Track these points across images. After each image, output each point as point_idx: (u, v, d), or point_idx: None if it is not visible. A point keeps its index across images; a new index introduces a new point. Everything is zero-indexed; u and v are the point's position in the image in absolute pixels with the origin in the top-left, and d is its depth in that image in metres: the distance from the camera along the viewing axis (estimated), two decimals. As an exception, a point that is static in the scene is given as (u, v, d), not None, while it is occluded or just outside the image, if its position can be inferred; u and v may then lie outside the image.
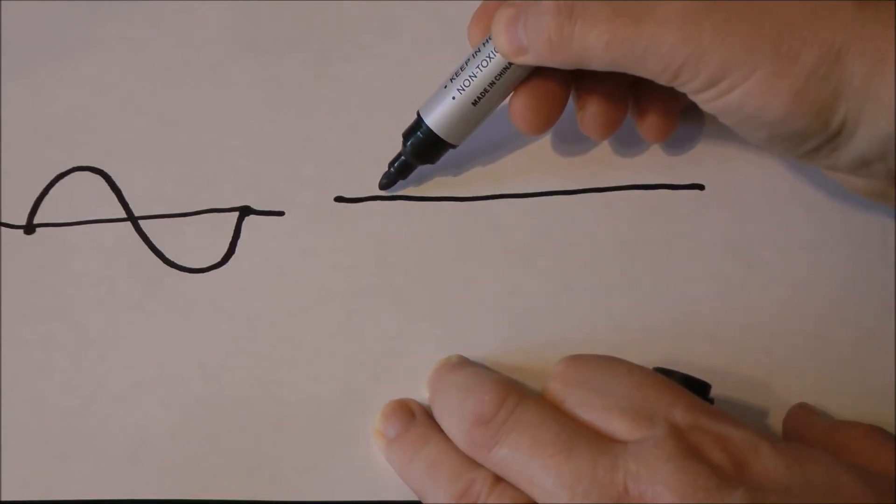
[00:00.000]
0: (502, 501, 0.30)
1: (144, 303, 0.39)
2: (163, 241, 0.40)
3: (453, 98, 0.37)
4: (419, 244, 0.40)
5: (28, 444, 0.37)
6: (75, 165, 0.42)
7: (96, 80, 0.44)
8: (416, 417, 0.35)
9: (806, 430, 0.33)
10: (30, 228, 0.41)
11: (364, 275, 0.39)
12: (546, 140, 0.41)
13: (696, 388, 0.32)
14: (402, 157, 0.39)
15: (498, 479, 0.31)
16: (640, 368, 0.31)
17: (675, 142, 0.41)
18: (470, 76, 0.36)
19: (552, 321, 0.38)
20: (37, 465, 0.36)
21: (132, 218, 0.41)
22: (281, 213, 0.41)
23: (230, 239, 0.40)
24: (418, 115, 0.38)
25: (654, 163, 0.40)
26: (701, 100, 0.33)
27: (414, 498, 0.34)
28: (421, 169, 0.40)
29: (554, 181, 0.40)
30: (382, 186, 0.40)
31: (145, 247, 0.40)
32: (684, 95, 0.34)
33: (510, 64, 0.36)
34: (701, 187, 0.40)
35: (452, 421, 0.33)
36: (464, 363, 0.36)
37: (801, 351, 0.37)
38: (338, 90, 0.43)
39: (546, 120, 0.37)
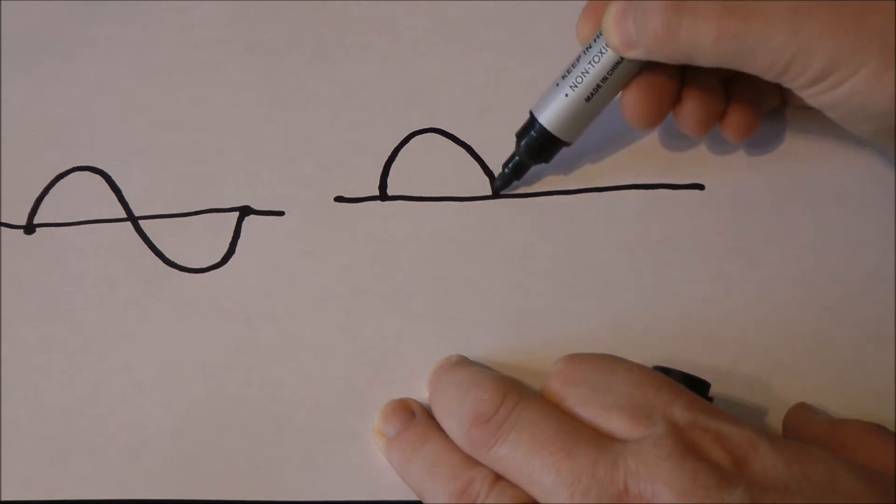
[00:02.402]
0: (502, 500, 0.30)
1: (144, 303, 0.39)
2: (163, 241, 0.40)
3: (566, 95, 0.37)
4: (419, 244, 0.40)
5: (28, 444, 0.37)
6: (75, 165, 0.42)
7: (96, 80, 0.44)
8: (415, 416, 0.35)
9: (806, 428, 0.33)
10: (30, 228, 0.41)
11: (364, 275, 0.39)
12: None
13: (696, 386, 0.32)
14: (517, 158, 0.39)
15: (497, 478, 0.31)
16: (640, 367, 0.31)
17: (676, 142, 0.41)
18: (582, 72, 0.36)
19: (552, 321, 0.38)
20: (37, 465, 0.36)
21: (132, 218, 0.41)
22: (281, 213, 0.41)
23: (230, 239, 0.40)
24: (531, 114, 0.38)
25: (654, 163, 0.40)
26: (808, 94, 0.34)
27: (414, 497, 0.34)
28: (533, 168, 0.40)
29: (554, 181, 0.40)
30: (497, 188, 0.40)
31: (145, 247, 0.40)
32: (770, 99, 0.36)
33: (621, 59, 0.36)
34: (701, 187, 0.40)
35: (452, 420, 0.33)
36: (464, 362, 0.36)
37: (801, 351, 0.37)
38: (338, 90, 0.43)
39: (657, 114, 0.37)
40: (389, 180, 0.41)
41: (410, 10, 0.45)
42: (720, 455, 0.28)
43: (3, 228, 0.41)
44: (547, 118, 0.38)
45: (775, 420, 0.35)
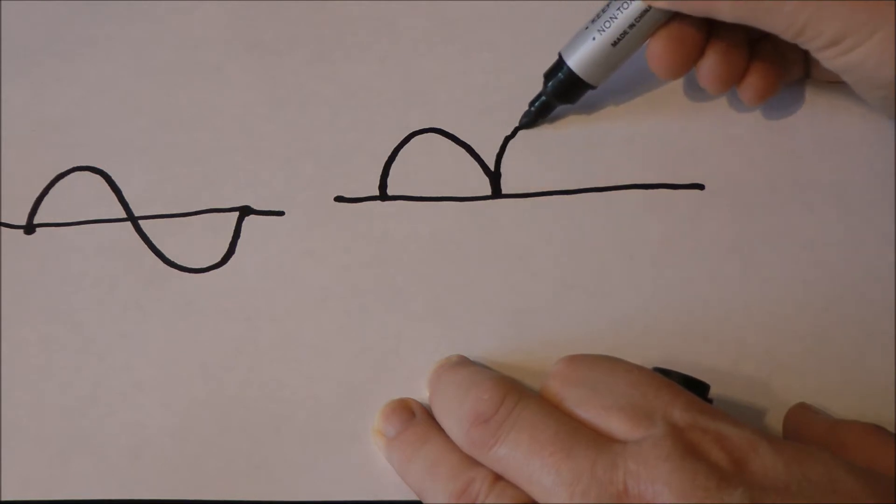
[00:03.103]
0: (502, 500, 0.30)
1: (144, 303, 0.39)
2: (163, 241, 0.40)
3: (593, 39, 0.38)
4: (419, 244, 0.40)
5: (28, 444, 0.37)
6: (75, 165, 0.42)
7: (96, 80, 0.44)
8: (415, 416, 0.35)
9: (806, 429, 0.33)
10: (30, 228, 0.41)
11: (364, 275, 0.39)
12: (547, 140, 0.41)
13: (696, 388, 0.32)
14: (543, 98, 0.40)
15: (497, 478, 0.31)
16: (639, 368, 0.31)
17: (676, 141, 0.41)
18: (610, 17, 0.38)
19: (552, 321, 0.38)
20: (37, 465, 0.36)
21: (132, 218, 0.41)
22: (281, 213, 0.41)
23: (230, 239, 0.40)
24: (559, 56, 0.39)
25: (654, 162, 0.40)
26: (823, 57, 0.35)
27: (414, 497, 0.34)
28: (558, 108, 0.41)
29: (554, 181, 0.40)
30: (524, 125, 0.41)
31: (145, 247, 0.40)
32: (794, 68, 0.37)
33: (649, 8, 0.37)
34: (701, 187, 0.40)
35: (452, 420, 0.33)
36: (464, 362, 0.36)
37: (801, 351, 0.37)
38: (338, 90, 0.43)
39: (682, 64, 0.38)
40: (389, 180, 0.41)
41: (410, 10, 0.45)
42: (720, 456, 0.28)
43: (3, 228, 0.41)
44: (574, 61, 0.39)
45: (775, 420, 0.35)
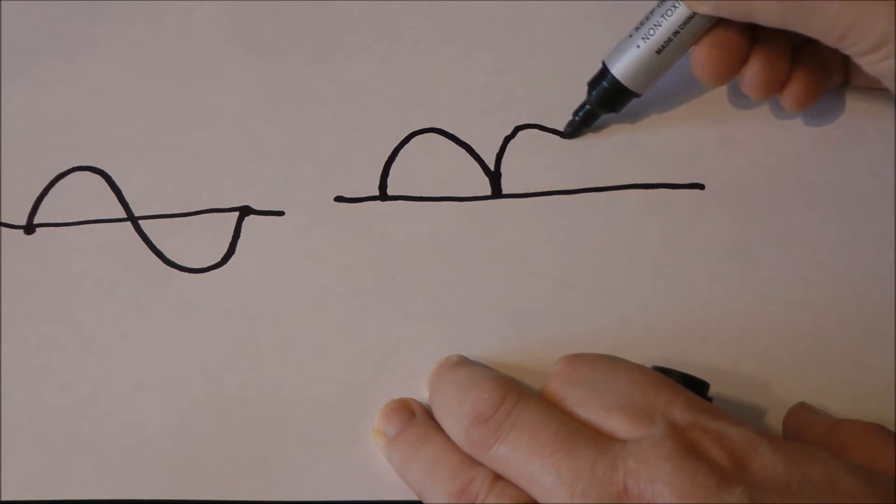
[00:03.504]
0: (501, 500, 0.30)
1: (144, 303, 0.39)
2: (163, 241, 0.40)
3: (637, 47, 0.38)
4: (419, 244, 0.40)
5: (28, 444, 0.37)
6: (75, 165, 0.42)
7: (96, 80, 0.44)
8: (415, 416, 0.35)
9: (806, 429, 0.33)
10: (30, 228, 0.41)
11: (364, 275, 0.39)
12: (547, 141, 0.41)
13: (695, 387, 0.32)
14: (587, 106, 0.40)
15: (497, 478, 0.31)
16: (639, 367, 0.31)
17: (676, 141, 0.41)
18: (654, 25, 0.38)
19: (552, 321, 0.38)
20: (37, 465, 0.36)
21: (132, 218, 0.41)
22: (281, 213, 0.41)
23: (230, 239, 0.40)
24: (603, 64, 0.39)
25: (654, 162, 0.40)
26: (865, 62, 0.35)
27: (414, 497, 0.34)
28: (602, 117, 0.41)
29: (554, 181, 0.40)
30: (568, 134, 0.41)
31: (145, 247, 0.40)
32: (834, 75, 0.38)
33: (693, 14, 0.37)
34: (701, 187, 0.40)
35: (452, 420, 0.33)
36: (464, 362, 0.36)
37: (801, 351, 0.37)
38: (338, 90, 0.43)
39: (727, 71, 0.38)
40: (389, 180, 0.41)
41: (410, 10, 0.45)
42: (720, 455, 0.28)
43: (3, 228, 0.41)
44: (618, 69, 0.39)
45: (775, 420, 0.35)
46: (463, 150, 0.41)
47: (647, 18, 0.38)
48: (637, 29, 0.38)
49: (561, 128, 0.41)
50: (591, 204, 0.40)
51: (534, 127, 0.42)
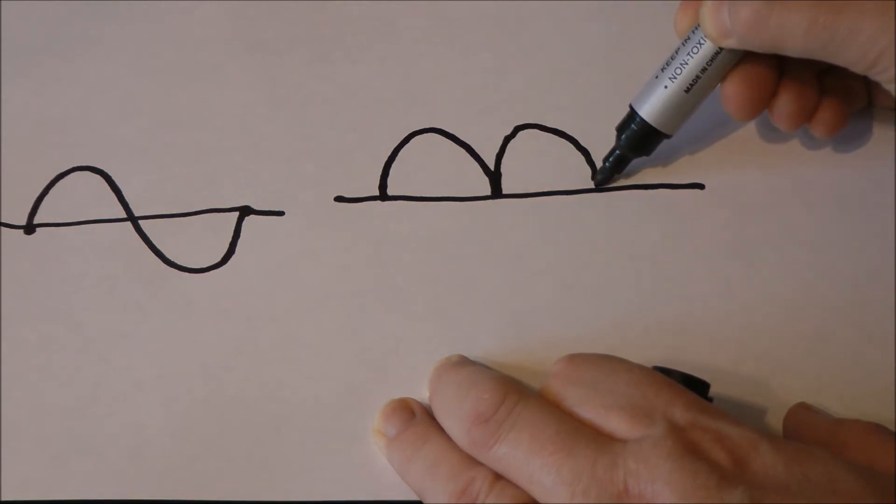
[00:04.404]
0: (502, 500, 0.30)
1: (144, 303, 0.39)
2: (163, 241, 0.40)
3: (665, 87, 0.37)
4: (419, 244, 0.40)
5: (28, 444, 0.37)
6: (75, 165, 0.42)
7: (96, 80, 0.44)
8: (415, 416, 0.35)
9: (806, 429, 0.33)
10: (30, 228, 0.41)
11: (364, 275, 0.39)
12: (546, 141, 0.41)
13: (695, 386, 0.32)
14: (618, 152, 0.40)
15: (497, 478, 0.31)
16: (640, 367, 0.31)
17: (676, 141, 0.41)
18: (681, 64, 0.37)
19: (552, 321, 0.38)
20: (37, 465, 0.36)
21: (132, 218, 0.41)
22: (281, 213, 0.41)
23: (230, 239, 0.40)
24: (631, 107, 0.39)
25: (654, 162, 0.40)
26: (893, 88, 0.34)
27: (414, 497, 0.34)
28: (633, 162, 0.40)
29: (554, 181, 0.40)
30: (598, 183, 0.40)
31: (145, 247, 0.40)
32: (858, 98, 0.37)
33: (720, 50, 0.36)
34: (701, 187, 0.40)
35: (452, 419, 0.33)
36: (464, 362, 0.36)
37: (801, 351, 0.37)
38: (338, 90, 0.43)
39: (756, 105, 0.37)
40: (389, 180, 0.41)
41: (410, 10, 0.45)
42: (720, 455, 0.28)
43: (3, 228, 0.41)
44: (647, 110, 0.38)
45: (775, 420, 0.35)
46: (463, 150, 0.42)
47: (673, 58, 0.37)
48: (663, 69, 0.37)
49: (561, 128, 0.41)
50: (590, 204, 0.40)
51: (534, 127, 0.42)
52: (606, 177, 0.40)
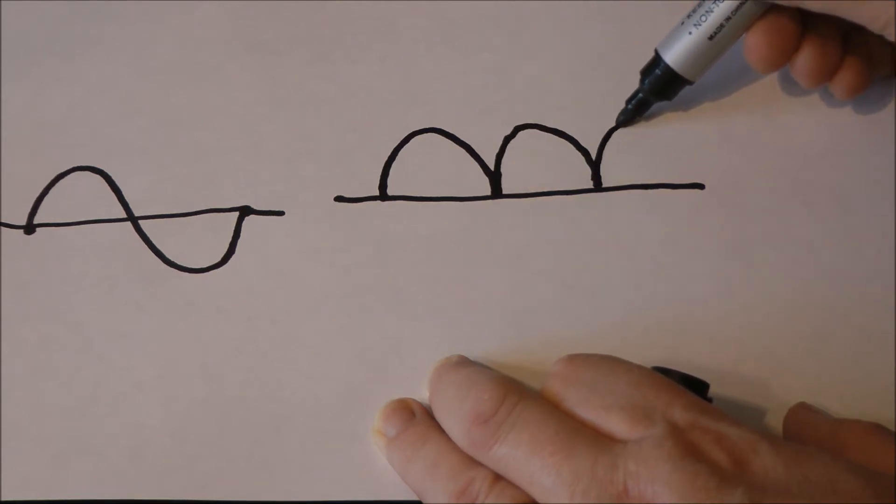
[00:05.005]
0: (502, 500, 0.30)
1: (144, 303, 0.39)
2: (163, 241, 0.40)
3: (690, 34, 0.38)
4: (419, 244, 0.40)
5: (28, 444, 0.37)
6: (75, 165, 0.42)
7: (96, 80, 0.44)
8: (415, 416, 0.35)
9: (806, 429, 0.33)
10: (30, 228, 0.41)
11: (364, 275, 0.39)
12: (546, 141, 0.41)
13: (695, 387, 0.32)
14: (640, 95, 0.40)
15: (497, 478, 0.31)
16: (639, 367, 0.31)
17: (676, 141, 0.41)
18: (706, 11, 0.38)
19: (552, 321, 0.38)
20: (37, 465, 0.36)
21: (132, 218, 0.41)
22: (281, 213, 0.41)
23: (230, 239, 0.40)
24: (656, 52, 0.39)
25: (654, 162, 0.40)
26: None
27: (414, 497, 0.34)
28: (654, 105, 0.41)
29: (554, 181, 0.40)
30: (621, 123, 0.41)
31: (145, 247, 0.40)
32: (882, 65, 0.38)
33: (745, 0, 0.37)
34: (701, 187, 0.40)
35: (452, 420, 0.33)
36: (464, 362, 0.36)
37: (801, 351, 0.37)
38: (338, 90, 0.43)
39: (779, 57, 0.38)
40: (389, 180, 0.41)
41: (410, 10, 0.45)
42: (720, 456, 0.28)
43: (3, 228, 0.41)
44: (671, 56, 0.39)
45: (775, 420, 0.35)
46: (463, 150, 0.41)
47: (699, 5, 0.38)
48: (689, 16, 0.38)
49: (561, 128, 0.41)
50: (590, 204, 0.40)
51: (534, 127, 0.42)
52: (629, 118, 0.41)
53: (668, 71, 0.39)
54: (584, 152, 0.41)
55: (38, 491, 0.36)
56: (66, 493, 0.36)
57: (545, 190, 0.40)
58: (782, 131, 0.41)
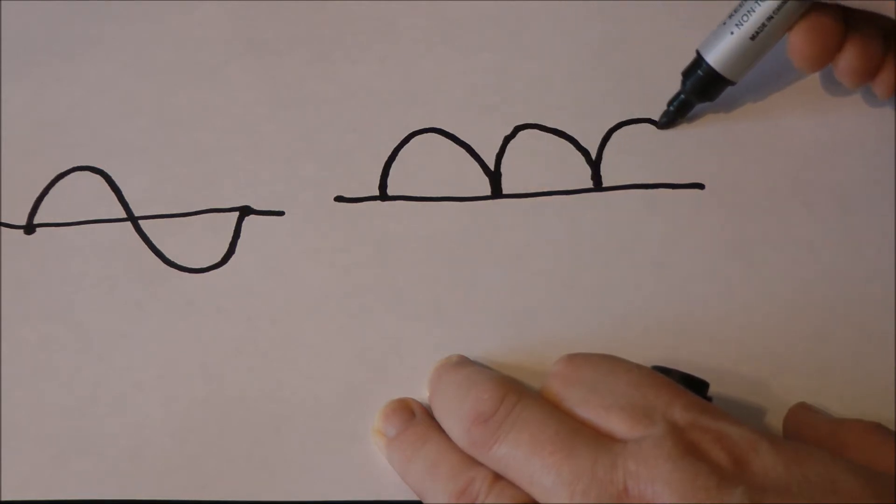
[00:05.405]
0: (501, 500, 0.30)
1: (144, 303, 0.39)
2: (163, 241, 0.40)
3: (731, 33, 0.38)
4: (419, 244, 0.40)
5: (28, 444, 0.37)
6: (75, 165, 0.42)
7: (96, 80, 0.44)
8: (415, 416, 0.35)
9: (806, 429, 0.33)
10: (30, 228, 0.41)
11: (364, 275, 0.39)
12: (546, 141, 0.41)
13: (695, 386, 0.32)
14: (682, 96, 0.40)
15: (497, 478, 0.31)
16: (639, 367, 0.31)
17: (676, 141, 0.41)
18: (748, 11, 0.38)
19: (552, 321, 0.38)
20: (37, 465, 0.36)
21: (132, 218, 0.41)
22: (281, 213, 0.41)
23: (230, 239, 0.40)
24: (697, 53, 0.39)
25: (654, 162, 0.40)
26: None
27: (414, 497, 0.34)
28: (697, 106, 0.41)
29: (554, 181, 0.40)
30: (663, 125, 0.41)
31: (145, 247, 0.40)
32: None
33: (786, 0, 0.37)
34: (701, 187, 0.40)
35: (452, 419, 0.33)
36: (464, 362, 0.36)
37: (801, 351, 0.37)
38: (338, 90, 0.43)
39: (822, 57, 0.38)
40: (389, 180, 0.41)
41: (410, 10, 0.45)
42: (720, 455, 0.28)
43: (3, 228, 0.41)
44: (713, 57, 0.39)
45: (775, 420, 0.35)
46: (463, 150, 0.42)
47: (741, 5, 0.38)
48: (730, 16, 0.38)
49: (561, 128, 0.41)
50: (591, 204, 0.40)
51: (534, 127, 0.42)
52: (671, 119, 0.41)
53: (710, 71, 0.39)
54: (584, 152, 0.41)
55: (38, 491, 0.36)
56: (66, 493, 0.36)
57: (545, 190, 0.40)
58: (782, 131, 0.41)
